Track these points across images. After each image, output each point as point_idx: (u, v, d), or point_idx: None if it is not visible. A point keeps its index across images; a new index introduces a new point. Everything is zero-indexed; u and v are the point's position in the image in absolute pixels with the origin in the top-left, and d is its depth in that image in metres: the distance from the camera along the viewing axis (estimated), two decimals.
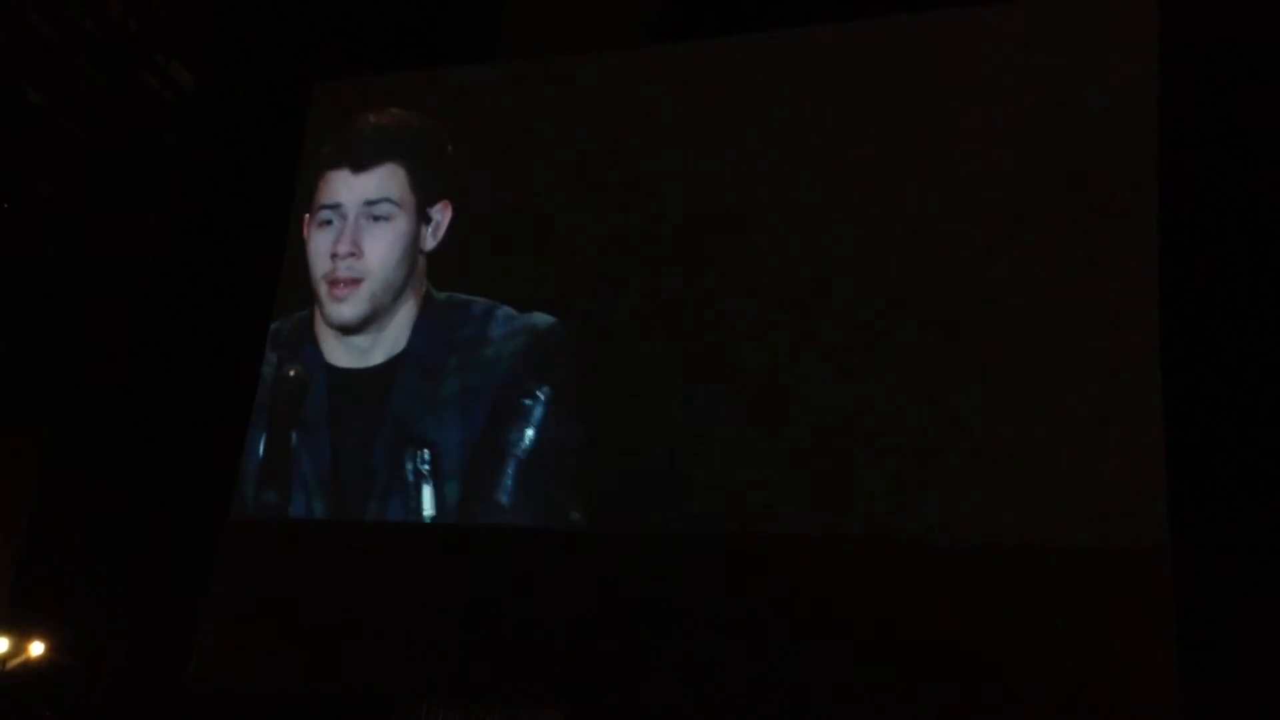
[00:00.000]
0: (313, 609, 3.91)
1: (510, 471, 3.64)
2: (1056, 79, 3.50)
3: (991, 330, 3.37)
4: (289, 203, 4.50)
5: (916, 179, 3.57)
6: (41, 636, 5.65)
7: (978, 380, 3.34)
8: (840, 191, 3.64)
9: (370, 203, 3.85)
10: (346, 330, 3.92)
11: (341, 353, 3.97)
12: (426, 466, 3.76)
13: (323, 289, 3.92)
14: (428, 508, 3.76)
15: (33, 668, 5.62)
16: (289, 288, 4.42)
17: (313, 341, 4.06)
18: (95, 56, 5.15)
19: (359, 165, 3.89)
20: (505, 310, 3.82)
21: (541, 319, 3.76)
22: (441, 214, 3.91)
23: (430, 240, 3.90)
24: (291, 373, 4.06)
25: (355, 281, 3.83)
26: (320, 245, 3.94)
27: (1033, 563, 3.14)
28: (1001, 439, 3.26)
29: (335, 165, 3.96)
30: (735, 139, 3.81)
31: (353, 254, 3.83)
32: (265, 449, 4.11)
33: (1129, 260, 3.27)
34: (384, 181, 3.88)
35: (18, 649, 5.65)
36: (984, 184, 3.50)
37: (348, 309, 3.88)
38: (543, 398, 3.66)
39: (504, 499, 3.65)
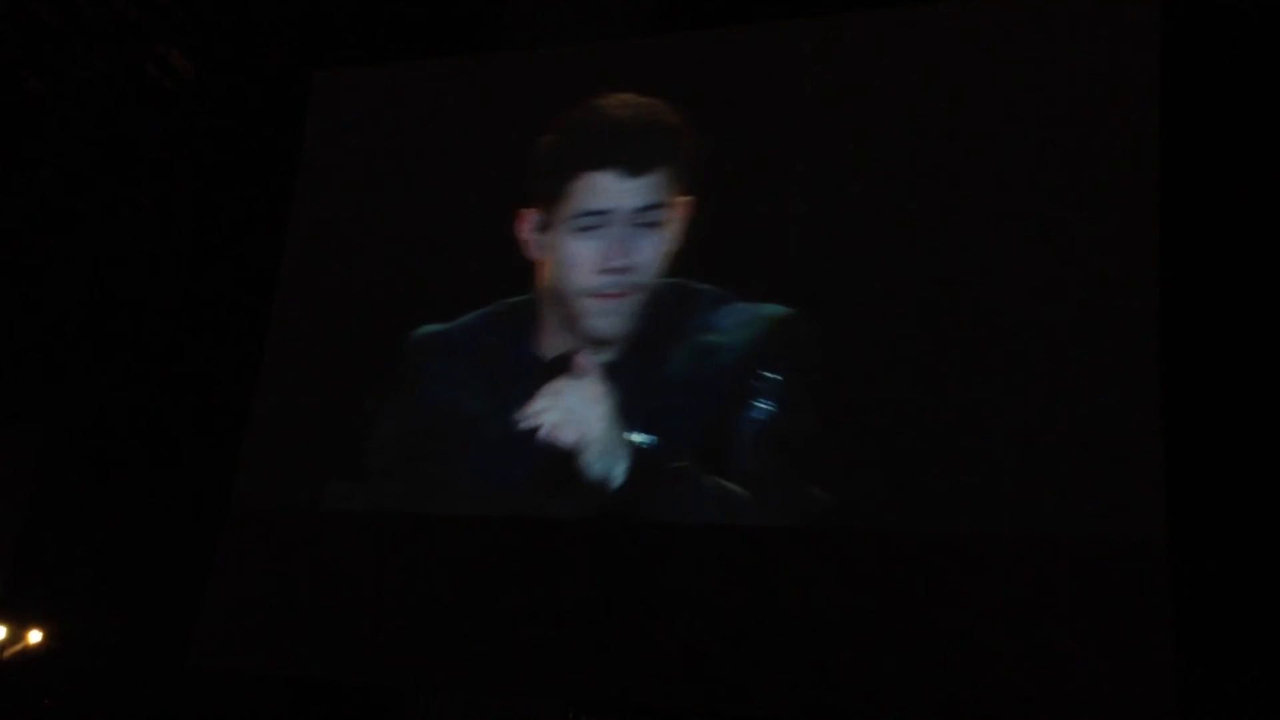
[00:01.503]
0: (315, 598, 3.91)
1: (743, 460, 3.45)
2: (1057, 71, 3.51)
3: (988, 321, 3.38)
4: (289, 192, 4.51)
5: (919, 172, 3.58)
6: (39, 625, 5.65)
7: (974, 371, 3.35)
8: (847, 190, 3.65)
9: (641, 210, 3.57)
10: (600, 343, 3.66)
11: (560, 344, 3.70)
12: (649, 455, 3.53)
13: (581, 302, 3.61)
14: (659, 499, 3.54)
15: (31, 656, 5.62)
16: (289, 279, 4.43)
17: (528, 335, 3.78)
18: (96, 44, 5.14)
19: (633, 169, 3.58)
20: (737, 304, 3.60)
21: (774, 309, 3.56)
22: (685, 210, 3.66)
23: (674, 241, 3.66)
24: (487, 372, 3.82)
25: (624, 295, 3.58)
26: (584, 256, 3.59)
27: (1029, 553, 3.14)
28: (998, 430, 3.27)
29: (600, 166, 3.60)
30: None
31: (628, 268, 3.57)
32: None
33: (1128, 252, 3.28)
34: (656, 186, 3.59)
35: (16, 637, 5.65)
36: (980, 174, 3.52)
37: (609, 324, 3.62)
38: (774, 383, 3.46)
39: (739, 488, 3.45)
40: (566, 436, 3.49)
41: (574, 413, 3.48)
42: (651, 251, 3.58)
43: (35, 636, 5.65)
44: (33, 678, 5.27)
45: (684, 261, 3.66)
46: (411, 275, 4.15)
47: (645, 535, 3.55)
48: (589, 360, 3.54)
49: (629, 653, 3.48)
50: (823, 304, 3.54)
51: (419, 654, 3.77)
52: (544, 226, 3.68)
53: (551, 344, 3.71)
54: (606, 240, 3.56)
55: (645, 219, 3.57)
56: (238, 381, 4.45)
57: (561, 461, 3.52)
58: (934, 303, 3.45)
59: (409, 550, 3.86)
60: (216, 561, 4.12)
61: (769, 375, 3.45)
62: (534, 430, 3.53)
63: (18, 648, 5.65)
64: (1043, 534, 3.14)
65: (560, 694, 4.07)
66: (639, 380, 3.58)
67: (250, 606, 4.04)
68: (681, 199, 3.64)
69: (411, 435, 3.93)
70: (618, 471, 3.50)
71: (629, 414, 3.56)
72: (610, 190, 3.56)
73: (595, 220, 3.58)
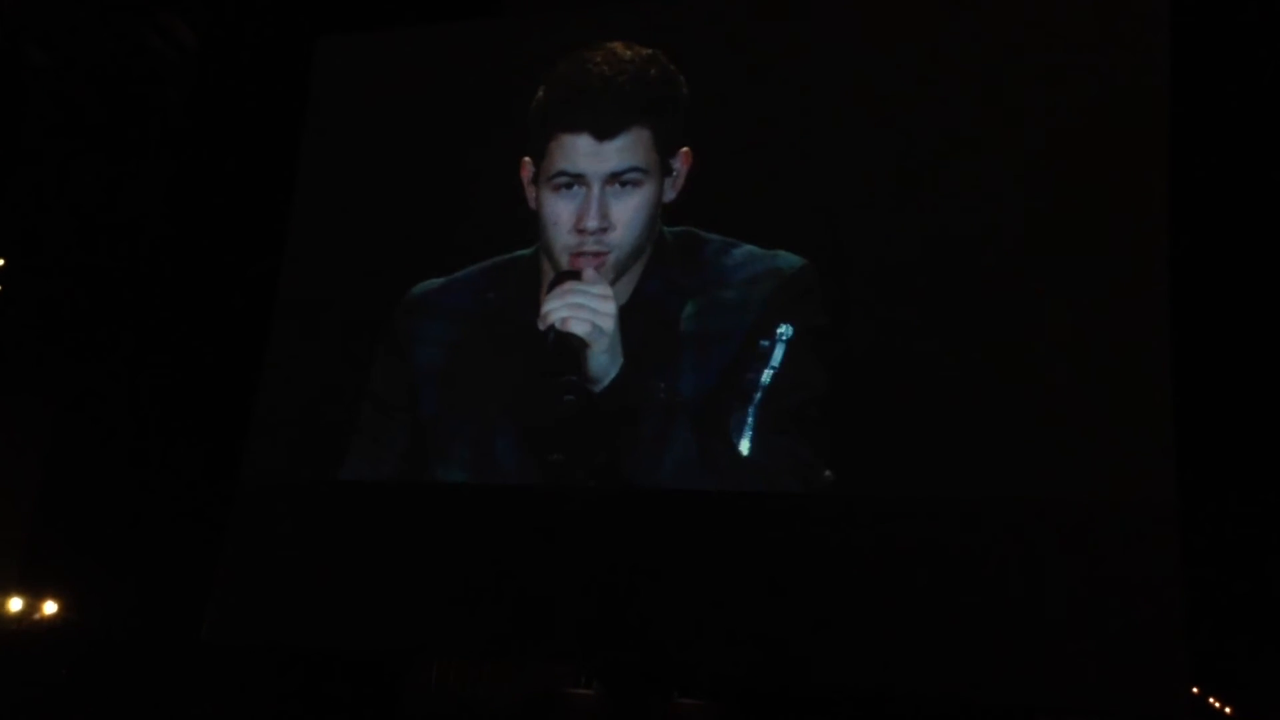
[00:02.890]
0: (325, 568, 3.92)
1: (750, 419, 3.43)
2: (1069, 50, 3.48)
3: (1003, 290, 3.36)
4: (294, 160, 4.49)
5: (933, 144, 3.55)
6: (54, 596, 5.71)
7: (987, 338, 3.33)
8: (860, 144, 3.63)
9: (617, 174, 3.56)
10: None
11: None
12: (661, 414, 3.52)
13: (564, 259, 3.60)
14: (666, 461, 3.52)
15: (46, 626, 5.68)
16: (296, 247, 4.43)
17: (532, 290, 3.73)
18: (98, 15, 5.12)
19: (603, 133, 3.55)
20: (746, 249, 3.59)
21: (788, 259, 3.54)
22: (682, 164, 3.64)
23: (670, 192, 3.63)
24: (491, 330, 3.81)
25: (602, 255, 3.56)
26: (562, 214, 3.60)
27: (1040, 517, 3.14)
28: (1011, 395, 3.25)
29: (573, 129, 3.58)
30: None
31: (603, 229, 3.55)
32: (437, 409, 3.84)
33: (1140, 224, 3.26)
34: (631, 149, 3.57)
35: (32, 608, 5.72)
36: (992, 143, 3.49)
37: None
38: (783, 338, 3.44)
39: (744, 448, 3.44)
40: (578, 328, 3.47)
41: (584, 308, 3.48)
42: (629, 213, 3.57)
43: (50, 608, 5.71)
44: (48, 648, 5.32)
45: (692, 208, 3.65)
46: (421, 239, 4.14)
47: (651, 502, 3.55)
48: (594, 272, 3.53)
49: (639, 620, 3.49)
50: (835, 256, 3.52)
51: (431, 623, 3.79)
52: (535, 179, 3.71)
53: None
54: (580, 201, 3.58)
55: (620, 181, 3.56)
56: (247, 352, 4.45)
57: (571, 355, 3.48)
58: (951, 268, 3.41)
59: (420, 519, 3.86)
60: (228, 534, 4.13)
61: (780, 334, 3.45)
62: (547, 329, 3.49)
63: (34, 619, 5.72)
64: (1054, 497, 3.13)
65: (570, 661, 4.09)
66: (647, 333, 3.57)
67: (262, 579, 4.05)
68: (681, 150, 3.63)
69: (405, 402, 3.90)
70: (613, 372, 3.51)
71: (638, 364, 3.54)
72: (582, 153, 3.58)
73: (569, 180, 3.60)
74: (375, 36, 4.61)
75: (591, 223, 3.55)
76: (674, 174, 3.62)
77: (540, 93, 3.75)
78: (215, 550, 4.12)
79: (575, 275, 3.53)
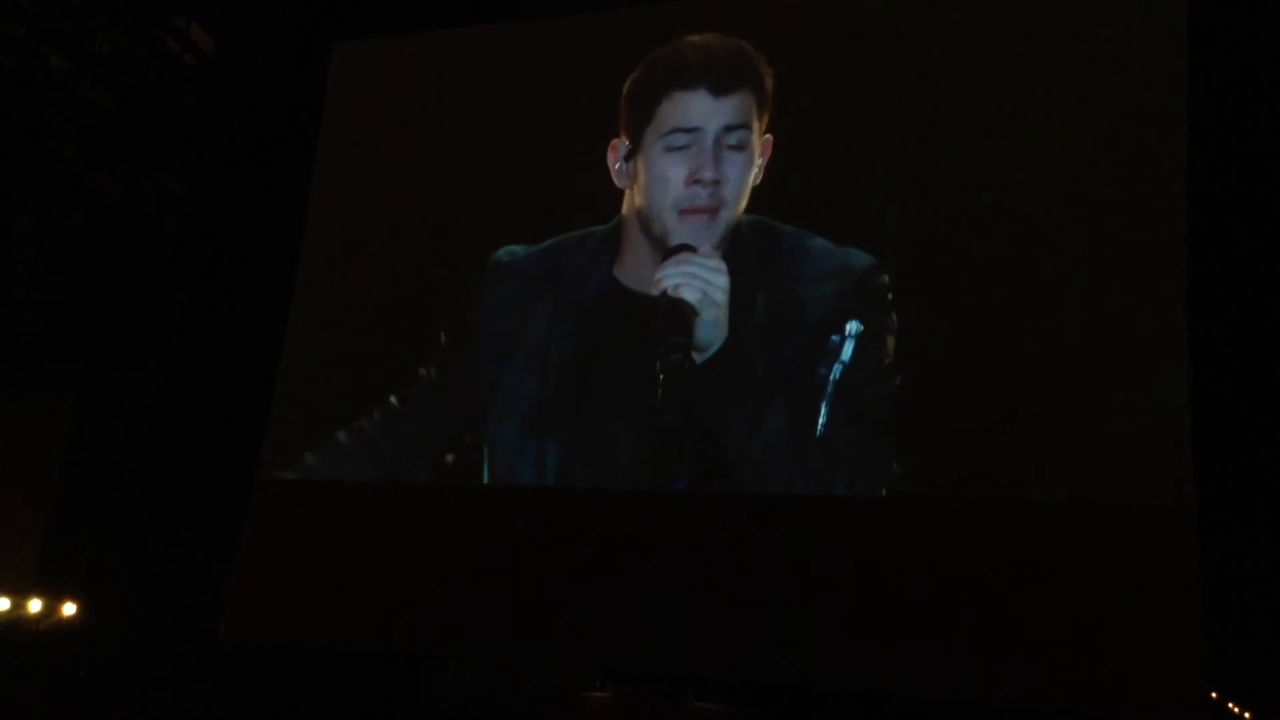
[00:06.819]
0: (343, 569, 3.94)
1: (823, 412, 3.51)
2: (1087, 44, 3.48)
3: (1020, 291, 3.36)
4: (310, 163, 4.51)
5: (951, 142, 3.56)
6: (73, 597, 5.74)
7: (1004, 339, 3.33)
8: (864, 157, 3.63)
9: (730, 129, 3.64)
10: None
11: (644, 274, 3.69)
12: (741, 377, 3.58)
13: (671, 219, 3.65)
14: (759, 438, 3.57)
15: (65, 628, 5.71)
16: (313, 249, 4.45)
17: (605, 265, 3.84)
18: (116, 20, 5.15)
19: (720, 89, 3.67)
20: (819, 243, 3.67)
21: (859, 257, 3.61)
22: (764, 150, 3.73)
23: (758, 176, 3.72)
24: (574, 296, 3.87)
25: (714, 210, 3.64)
26: (672, 173, 3.66)
27: (1058, 519, 3.13)
28: (1029, 397, 3.25)
29: (690, 86, 3.69)
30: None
31: (717, 181, 3.62)
32: (532, 382, 3.86)
33: (1157, 227, 3.25)
34: (741, 108, 3.67)
35: (50, 610, 5.75)
36: (1010, 146, 3.50)
37: (696, 240, 3.61)
38: (852, 334, 3.51)
39: (817, 437, 3.51)
40: (689, 295, 3.51)
41: (697, 277, 3.53)
42: (737, 173, 3.66)
43: (69, 609, 5.74)
44: (67, 649, 5.35)
45: (767, 200, 3.71)
46: (439, 241, 4.17)
47: (668, 504, 3.57)
48: (709, 248, 3.59)
49: (659, 623, 3.49)
50: (898, 254, 3.56)
51: (448, 625, 3.80)
52: (630, 154, 3.77)
53: (633, 269, 3.76)
54: (695, 156, 3.65)
55: (731, 140, 3.64)
56: (265, 352, 4.47)
57: (681, 320, 3.49)
58: (1002, 269, 3.45)
59: (438, 520, 3.88)
60: (245, 534, 4.15)
61: (849, 330, 3.52)
62: (660, 294, 3.54)
63: (53, 620, 5.75)
64: (1073, 500, 3.13)
65: (592, 663, 4.08)
66: (718, 323, 3.57)
67: (279, 579, 4.07)
68: (764, 135, 3.72)
69: (462, 400, 3.94)
70: (718, 343, 3.55)
71: (739, 341, 3.58)
72: (698, 108, 3.66)
73: (684, 139, 3.66)
74: (390, 41, 4.63)
75: (708, 173, 3.61)
76: (761, 158, 3.71)
77: (638, 72, 3.83)
78: (232, 550, 4.14)
79: (691, 249, 3.57)
